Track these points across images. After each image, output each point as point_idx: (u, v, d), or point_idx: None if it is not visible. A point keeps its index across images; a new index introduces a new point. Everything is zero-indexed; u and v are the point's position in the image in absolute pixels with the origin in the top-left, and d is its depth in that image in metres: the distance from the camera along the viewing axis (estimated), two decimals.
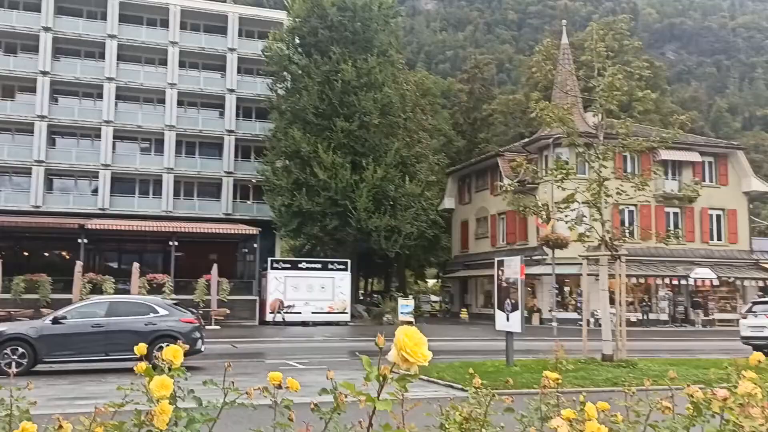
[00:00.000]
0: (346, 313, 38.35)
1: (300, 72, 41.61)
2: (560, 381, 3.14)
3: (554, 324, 32.37)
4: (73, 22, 44.13)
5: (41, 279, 33.68)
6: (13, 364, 15.23)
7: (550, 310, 36.59)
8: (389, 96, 41.19)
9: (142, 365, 2.45)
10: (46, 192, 42.52)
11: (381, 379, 1.77)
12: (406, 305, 41.08)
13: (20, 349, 15.33)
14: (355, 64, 39.97)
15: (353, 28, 41.42)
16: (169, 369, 2.52)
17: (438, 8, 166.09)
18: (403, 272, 60.69)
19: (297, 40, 42.89)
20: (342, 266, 38.79)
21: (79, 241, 34.83)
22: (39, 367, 15.76)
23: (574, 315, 37.74)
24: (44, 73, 42.64)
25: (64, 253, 38.90)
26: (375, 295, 55.13)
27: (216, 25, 47.27)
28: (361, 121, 39.77)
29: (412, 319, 40.45)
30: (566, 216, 16.63)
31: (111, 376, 14.71)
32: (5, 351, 15.27)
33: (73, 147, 44.26)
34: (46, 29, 42.96)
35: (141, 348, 3.00)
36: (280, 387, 2.51)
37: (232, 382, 3.05)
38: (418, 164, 45.19)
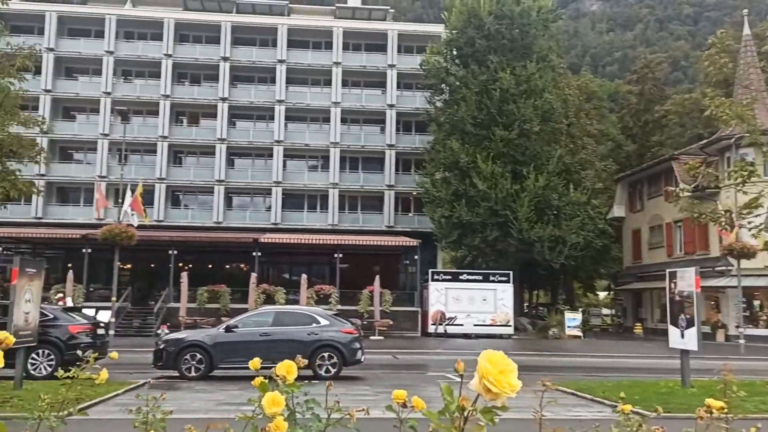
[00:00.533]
0: (510, 326, 37.44)
1: (457, 83, 41.58)
2: (725, 409, 2.70)
3: (741, 341, 29.34)
4: (248, 50, 47.57)
5: (221, 290, 36.32)
6: (193, 368, 16.46)
7: (736, 326, 33.20)
8: (550, 102, 39.91)
9: (259, 379, 2.39)
10: (226, 209, 46.00)
11: (460, 411, 1.52)
12: (573, 319, 39.44)
13: (198, 355, 16.48)
14: (514, 72, 39.18)
15: (511, 35, 40.69)
16: (284, 384, 2.44)
17: (604, 9, 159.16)
18: (570, 284, 58.37)
19: (454, 52, 42.93)
20: (504, 278, 37.97)
21: (254, 254, 37.18)
22: (215, 372, 16.86)
23: (765, 331, 34.01)
24: (223, 99, 46.29)
25: (241, 266, 41.71)
26: (540, 308, 53.50)
27: (376, 43, 48.69)
28: (520, 129, 38.85)
29: (580, 334, 38.73)
30: (750, 223, 14.96)
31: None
32: (185, 357, 16.49)
33: (249, 167, 47.57)
34: (225, 59, 46.66)
35: (255, 364, 2.95)
36: (405, 405, 2.34)
37: (337, 401, 2.90)
38: (583, 171, 43.28)
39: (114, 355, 5.17)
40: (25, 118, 19.69)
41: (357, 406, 2.52)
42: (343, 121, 47.49)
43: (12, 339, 1.84)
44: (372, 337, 32.45)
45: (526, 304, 56.12)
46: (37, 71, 42.66)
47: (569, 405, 12.61)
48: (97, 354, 4.89)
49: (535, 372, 18.29)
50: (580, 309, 48.24)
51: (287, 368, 2.41)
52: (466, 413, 1.53)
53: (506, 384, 1.41)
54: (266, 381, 2.40)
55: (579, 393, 13.71)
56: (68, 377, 4.12)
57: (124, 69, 47.33)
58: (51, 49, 44.90)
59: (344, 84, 47.79)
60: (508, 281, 37.90)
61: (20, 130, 20.84)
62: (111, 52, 45.83)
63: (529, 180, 37.85)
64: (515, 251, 39.42)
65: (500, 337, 36.03)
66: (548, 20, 42.46)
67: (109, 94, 45.34)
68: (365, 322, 33.62)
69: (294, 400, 2.50)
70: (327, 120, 47.32)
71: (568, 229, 38.62)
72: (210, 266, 43.33)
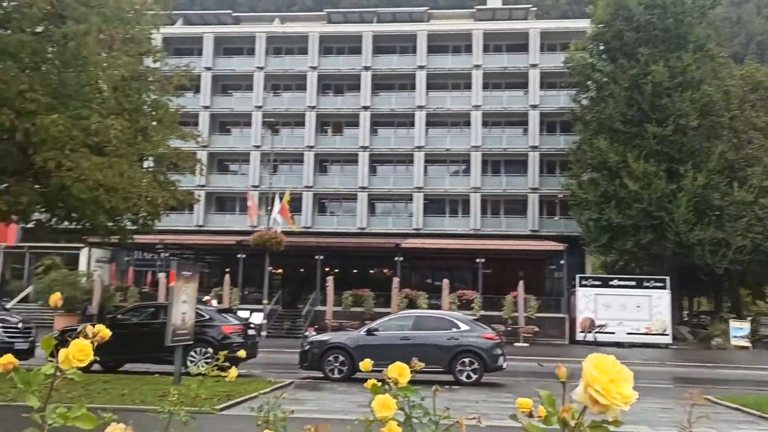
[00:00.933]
0: (667, 334, 35.03)
1: (605, 79, 39.67)
2: None
3: None
4: (388, 59, 48.38)
5: (365, 294, 37.09)
6: (336, 370, 16.77)
7: None
8: (709, 94, 37.01)
9: (371, 381, 2.26)
10: (370, 215, 46.95)
11: (563, 425, 1.23)
12: (739, 328, 36.20)
13: (341, 357, 16.78)
14: (667, 64, 36.75)
15: (663, 25, 38.20)
16: (396, 386, 2.30)
17: None
18: (737, 291, 53.61)
19: (601, 47, 41.05)
20: (659, 283, 35.63)
21: (396, 259, 37.58)
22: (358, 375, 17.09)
23: None
24: (365, 108, 47.36)
25: (384, 270, 42.33)
26: (702, 316, 49.70)
27: (517, 43, 47.70)
28: (676, 124, 36.34)
29: (749, 344, 35.48)
30: None
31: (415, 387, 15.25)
32: (329, 358, 16.85)
33: (391, 173, 48.29)
34: (366, 68, 47.77)
35: (366, 365, 2.79)
36: (531, 416, 2.10)
37: (447, 408, 2.67)
38: (749, 168, 39.65)
39: (242, 353, 5.25)
40: (183, 133, 21.14)
41: (497, 413, 2.28)
42: (485, 124, 46.93)
43: (107, 333, 1.76)
44: (516, 344, 31.67)
45: (685, 312, 52.33)
46: (197, 89, 46.09)
47: (734, 421, 11.46)
48: (229, 353, 4.99)
49: (695, 385, 16.82)
50: (749, 318, 44.15)
51: (399, 371, 2.25)
52: (571, 427, 1.23)
53: (617, 395, 1.11)
54: (379, 384, 2.26)
55: (745, 408, 12.45)
56: (200, 374, 4.19)
57: (274, 83, 49.83)
58: (208, 68, 48.23)
59: (485, 86, 47.23)
60: (664, 287, 35.54)
61: (180, 144, 22.42)
62: (261, 68, 48.45)
63: (687, 179, 35.31)
64: (672, 255, 36.92)
65: (657, 346, 33.78)
66: (705, 7, 39.52)
67: (260, 107, 47.93)
68: (509, 329, 32.89)
69: (409, 405, 2.35)
70: (467, 124, 46.98)
71: (733, 230, 35.59)
72: (354, 271, 44.38)
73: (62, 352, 1.71)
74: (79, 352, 1.73)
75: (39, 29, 15.50)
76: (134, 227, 19.92)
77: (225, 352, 4.24)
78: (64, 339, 1.70)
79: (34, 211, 17.25)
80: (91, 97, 15.86)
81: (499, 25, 48.72)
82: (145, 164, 20.56)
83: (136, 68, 17.84)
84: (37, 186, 16.13)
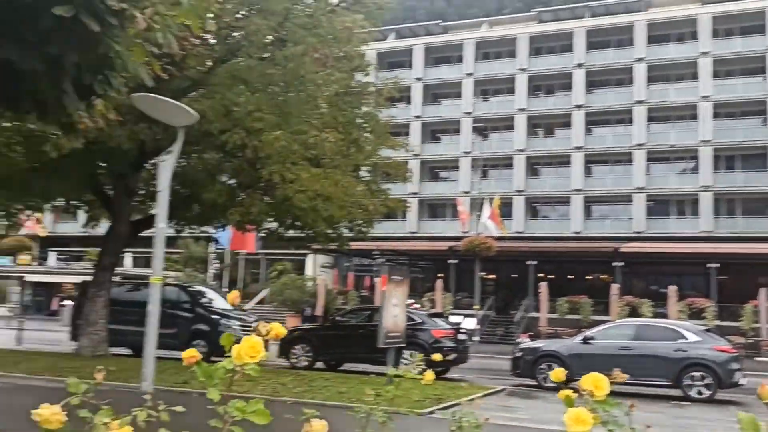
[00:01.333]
0: None
1: None
2: None
3: None
4: (602, 54, 46.17)
5: (582, 301, 35.41)
6: (549, 378, 16.17)
7: None
8: None
9: (565, 392, 2.09)
10: (585, 218, 44.94)
11: None
12: None
13: (554, 365, 16.11)
14: None
15: None
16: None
17: None
18: None
19: None
20: None
21: (615, 264, 35.45)
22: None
23: None
24: (578, 107, 45.56)
25: (602, 276, 40.12)
26: None
27: (753, 24, 42.91)
28: None
29: None
30: None
31: (636, 400, 14.19)
32: (541, 366, 16.29)
33: (608, 173, 45.90)
34: (579, 65, 45.98)
35: (557, 375, 2.57)
36: None
37: (648, 426, 2.37)
38: None
39: (436, 356, 5.19)
40: (394, 143, 21.86)
41: None
42: (716, 115, 42.84)
43: (283, 331, 1.78)
44: (758, 359, 28.26)
45: None
46: (408, 100, 47.65)
47: None
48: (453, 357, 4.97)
49: None
50: None
51: (594, 382, 2.03)
52: None
53: None
54: (573, 395, 2.06)
55: None
56: (397, 376, 4.22)
57: (482, 89, 49.87)
58: (419, 79, 49.64)
59: (715, 75, 43.11)
60: None
61: (392, 153, 23.24)
62: (470, 74, 48.80)
63: None
64: None
65: None
66: None
67: (469, 113, 48.27)
68: (750, 341, 29.58)
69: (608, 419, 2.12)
70: (694, 117, 43.21)
71: None
72: (570, 277, 42.60)
73: (235, 348, 1.76)
74: (251, 348, 1.77)
75: (265, 54, 16.99)
76: (350, 234, 20.96)
77: (421, 355, 4.21)
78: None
79: (263, 221, 18.91)
80: (309, 113, 17.03)
81: (731, 6, 44.23)
82: (361, 174, 21.55)
83: (349, 83, 18.81)
84: (266, 197, 17.66)
